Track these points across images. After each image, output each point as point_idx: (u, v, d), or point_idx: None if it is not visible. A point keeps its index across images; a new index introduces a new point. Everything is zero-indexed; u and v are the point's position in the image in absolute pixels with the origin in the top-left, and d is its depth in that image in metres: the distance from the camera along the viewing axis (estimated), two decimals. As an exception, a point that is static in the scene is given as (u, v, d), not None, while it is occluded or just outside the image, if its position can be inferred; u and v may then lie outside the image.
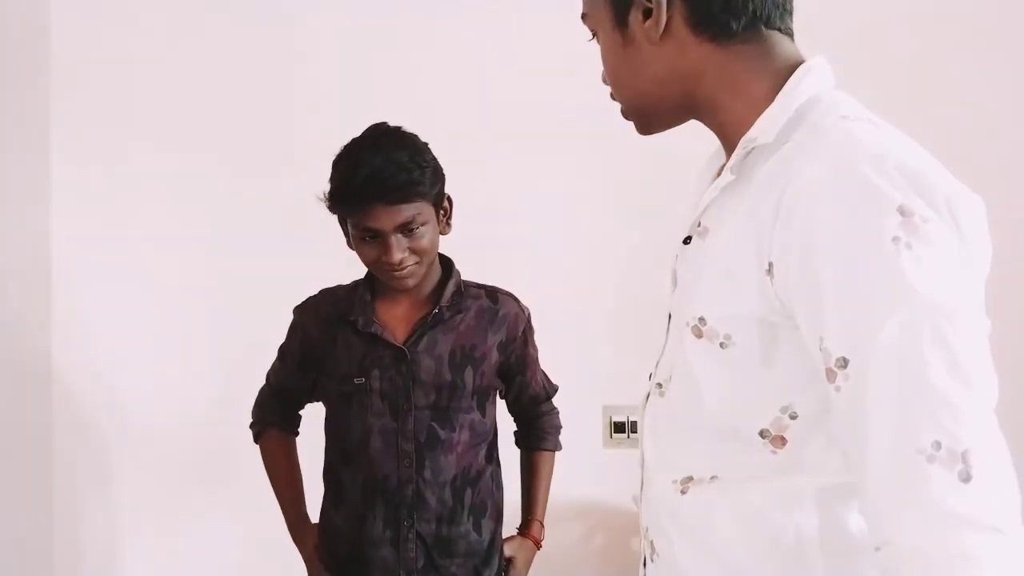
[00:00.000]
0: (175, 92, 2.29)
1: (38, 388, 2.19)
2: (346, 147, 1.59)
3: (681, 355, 0.97)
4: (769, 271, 0.86)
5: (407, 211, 1.53)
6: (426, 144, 1.60)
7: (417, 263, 1.57)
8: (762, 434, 0.91)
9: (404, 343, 1.62)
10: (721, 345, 0.91)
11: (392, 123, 1.60)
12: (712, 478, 0.95)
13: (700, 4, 0.97)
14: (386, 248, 1.54)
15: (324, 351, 1.67)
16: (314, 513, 1.74)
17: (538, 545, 1.76)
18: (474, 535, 1.66)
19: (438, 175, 1.59)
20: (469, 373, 1.63)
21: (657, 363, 1.05)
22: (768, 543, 0.92)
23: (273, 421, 1.78)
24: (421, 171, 1.53)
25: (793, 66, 0.97)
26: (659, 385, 1.02)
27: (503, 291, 1.72)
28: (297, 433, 1.79)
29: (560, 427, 1.80)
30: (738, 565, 0.95)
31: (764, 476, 0.92)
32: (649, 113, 1.04)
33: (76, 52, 2.24)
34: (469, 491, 1.65)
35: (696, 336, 0.93)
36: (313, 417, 1.76)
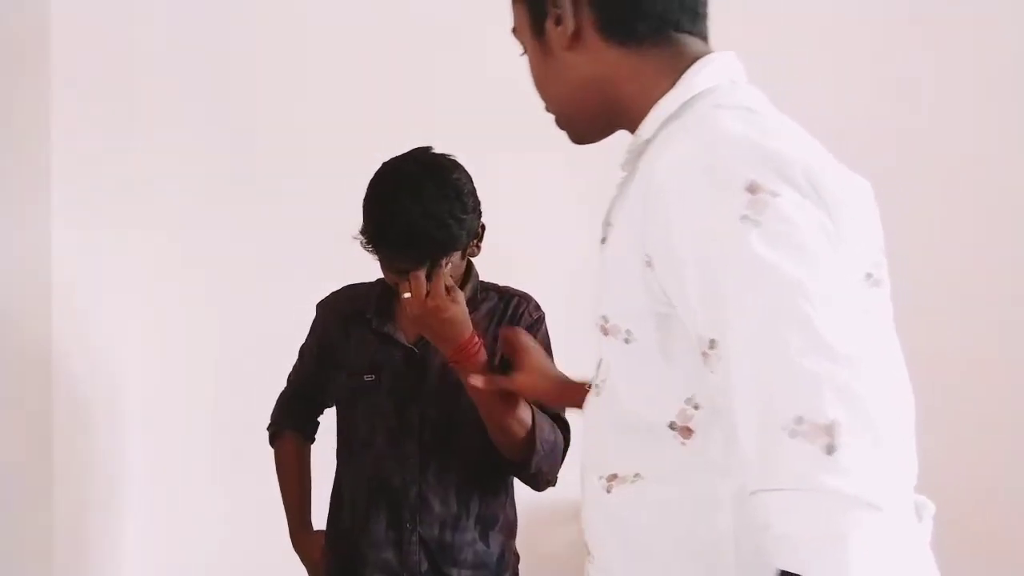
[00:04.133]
0: (176, 93, 2.29)
1: (38, 390, 2.19)
2: (383, 182, 1.51)
3: (601, 355, 1.00)
4: (649, 264, 0.88)
5: (434, 261, 1.47)
6: (465, 176, 1.53)
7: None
8: (671, 426, 0.91)
9: (415, 343, 1.61)
10: (625, 341, 0.93)
11: (402, 143, 1.54)
12: (635, 476, 0.95)
13: (607, 9, 0.99)
14: (404, 288, 1.48)
15: (338, 346, 1.66)
16: (321, 519, 1.72)
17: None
18: (481, 545, 1.61)
19: (477, 217, 1.53)
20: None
21: (596, 358, 1.05)
22: (686, 541, 0.92)
23: (290, 424, 1.79)
24: (460, 225, 1.48)
25: (686, 65, 0.99)
26: (596, 386, 1.03)
27: (517, 292, 1.69)
28: (313, 440, 1.79)
29: (563, 445, 1.60)
30: (662, 564, 0.94)
31: (681, 473, 0.92)
32: (575, 121, 1.07)
33: (76, 52, 2.24)
34: (476, 499, 1.62)
35: (604, 334, 0.96)
36: (331, 424, 1.75)
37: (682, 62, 0.99)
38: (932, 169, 2.46)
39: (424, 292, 1.45)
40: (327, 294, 1.73)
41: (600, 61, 1.01)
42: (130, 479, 2.31)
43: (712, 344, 0.82)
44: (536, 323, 1.65)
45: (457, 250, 1.50)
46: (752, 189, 0.80)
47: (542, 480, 1.58)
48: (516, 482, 1.66)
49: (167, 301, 2.29)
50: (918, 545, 0.76)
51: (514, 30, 1.08)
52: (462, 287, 1.59)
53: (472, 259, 1.64)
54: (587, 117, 1.06)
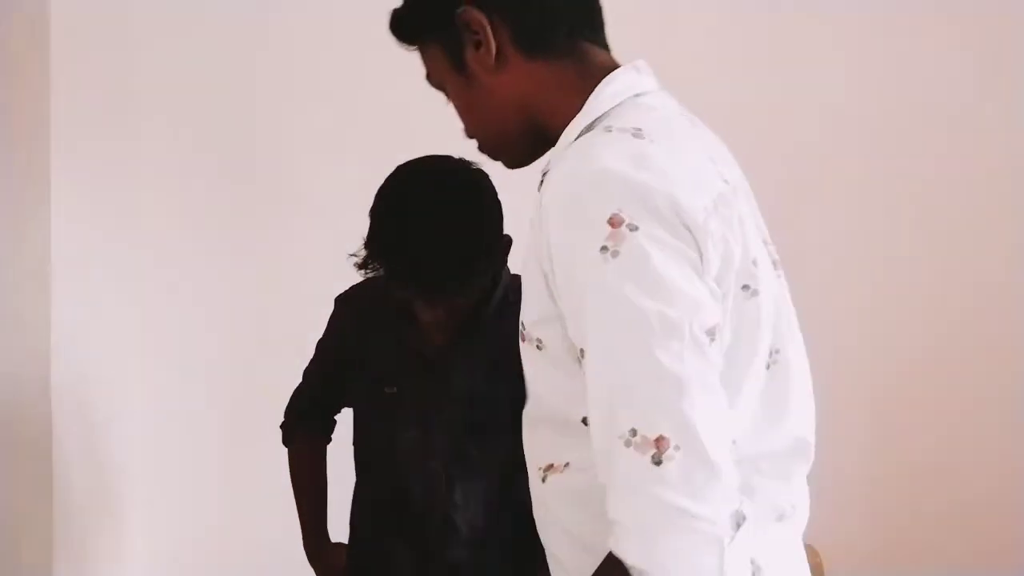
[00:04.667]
0: (176, 93, 2.28)
1: (38, 390, 2.19)
2: (391, 196, 1.37)
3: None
4: (545, 276, 0.96)
5: (447, 296, 1.37)
6: (492, 191, 1.38)
7: (456, 318, 1.43)
8: (584, 421, 0.95)
9: (440, 352, 1.47)
10: (537, 347, 1.01)
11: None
12: (565, 465, 1.02)
13: (519, 20, 1.04)
14: (418, 309, 1.41)
15: (358, 349, 1.54)
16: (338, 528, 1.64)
17: None
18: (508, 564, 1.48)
19: (494, 247, 1.39)
20: (505, 385, 1.38)
21: None
22: (594, 509, 0.96)
23: (305, 422, 1.66)
24: (472, 262, 1.33)
25: (598, 80, 1.04)
26: (527, 388, 1.10)
27: None
28: (330, 438, 1.70)
29: None
30: (591, 544, 0.97)
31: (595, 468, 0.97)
32: (508, 144, 1.10)
33: (76, 52, 2.24)
34: (508, 517, 1.43)
35: (522, 340, 1.04)
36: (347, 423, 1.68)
37: (591, 77, 1.04)
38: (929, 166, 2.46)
39: (432, 320, 1.39)
40: (347, 288, 1.59)
41: (522, 77, 1.05)
42: (130, 479, 2.31)
43: (582, 353, 0.92)
44: None
45: (474, 284, 1.38)
46: (613, 222, 0.88)
47: None
48: None
49: (168, 300, 2.29)
50: (732, 551, 0.85)
51: (428, 77, 1.12)
52: (489, 295, 1.47)
53: (507, 264, 1.51)
54: (518, 138, 1.09)
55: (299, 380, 1.68)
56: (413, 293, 1.38)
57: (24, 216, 2.15)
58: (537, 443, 1.08)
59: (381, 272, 1.37)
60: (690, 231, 0.90)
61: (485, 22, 1.03)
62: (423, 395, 1.47)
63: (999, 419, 2.42)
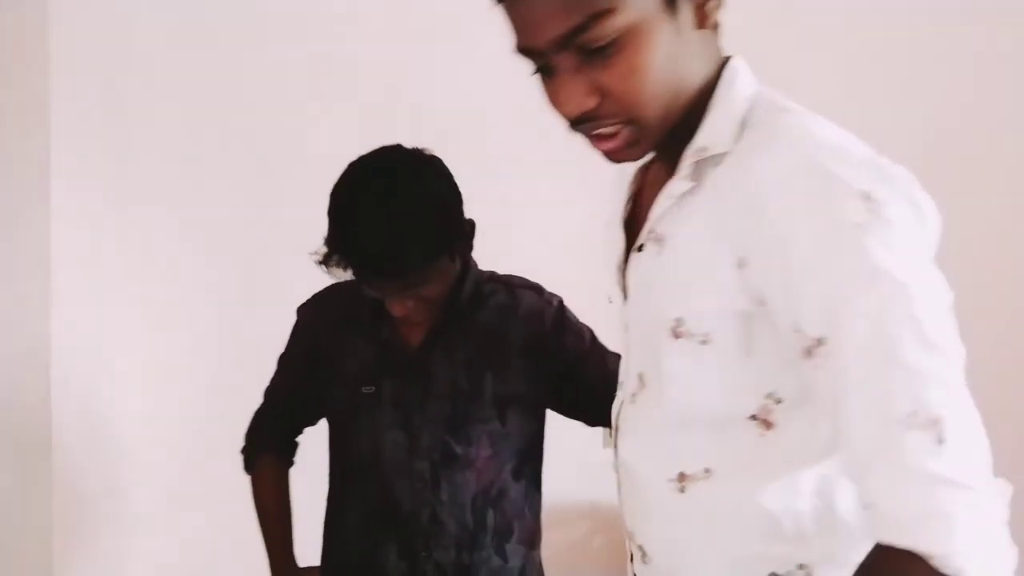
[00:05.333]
0: (176, 95, 2.28)
1: (37, 390, 2.19)
2: (344, 192, 1.37)
3: (654, 358, 0.98)
4: (741, 265, 0.88)
5: (414, 283, 1.35)
6: (444, 178, 1.38)
7: (426, 307, 1.42)
8: (752, 418, 0.94)
9: (418, 349, 1.47)
10: (702, 342, 0.93)
11: (402, 137, 1.40)
12: (705, 471, 0.97)
13: None
14: (388, 302, 1.40)
15: (331, 355, 1.52)
16: (309, 552, 1.61)
17: None
18: (497, 560, 1.47)
19: (453, 226, 1.37)
20: (488, 379, 1.46)
21: (625, 368, 1.07)
22: (766, 530, 0.95)
23: (267, 446, 1.62)
24: (431, 240, 1.32)
25: (720, 60, 0.96)
26: (632, 394, 1.04)
27: (523, 283, 1.54)
28: (292, 463, 1.66)
29: None
30: (739, 556, 0.97)
31: (756, 464, 0.95)
32: (669, 123, 0.94)
33: (76, 52, 2.24)
34: (491, 512, 1.47)
35: (674, 337, 0.94)
36: (311, 440, 1.66)
37: (718, 54, 0.96)
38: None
39: (402, 312, 1.35)
40: (309, 297, 1.59)
41: (710, 42, 0.95)
42: (130, 479, 2.31)
43: (820, 342, 0.85)
44: (559, 312, 1.51)
45: (428, 269, 1.35)
46: (865, 198, 0.83)
47: None
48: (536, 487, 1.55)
49: (168, 300, 2.29)
50: (1002, 524, 0.83)
51: (602, 14, 0.86)
52: (459, 284, 1.48)
53: (471, 256, 1.53)
54: (678, 111, 0.94)
55: None
56: (377, 284, 1.37)
57: (24, 216, 2.15)
58: (655, 450, 1.01)
59: (343, 269, 1.36)
60: (921, 212, 0.88)
61: None
62: (403, 395, 1.46)
63: (1001, 419, 2.42)
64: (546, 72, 0.91)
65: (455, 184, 1.40)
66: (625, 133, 0.92)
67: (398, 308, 1.39)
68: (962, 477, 0.80)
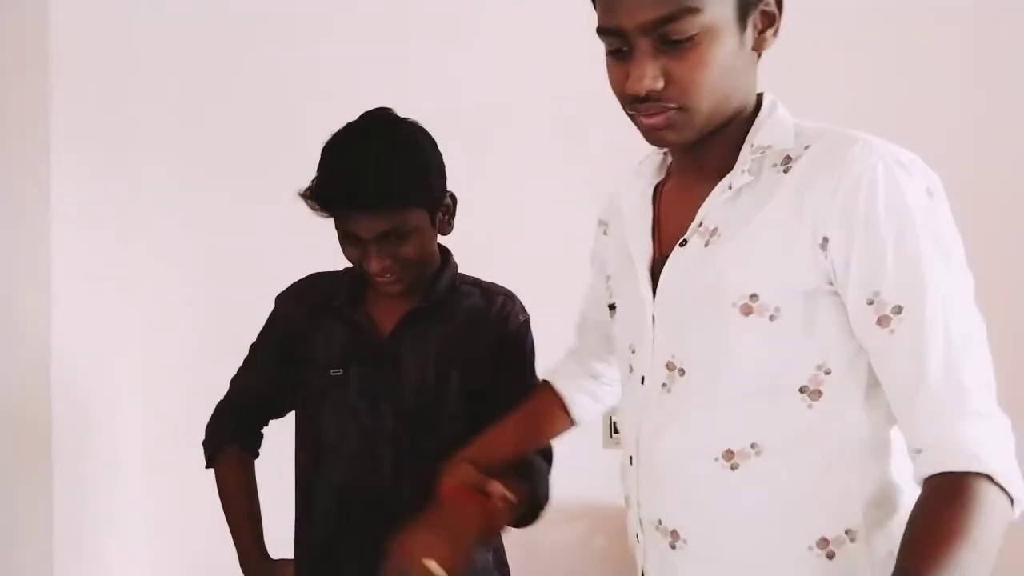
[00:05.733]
0: (176, 94, 2.29)
1: (38, 390, 2.19)
2: (334, 136, 1.43)
3: (709, 341, 1.06)
4: (824, 245, 1.00)
5: (392, 219, 1.38)
6: (429, 139, 1.45)
7: (403, 270, 1.44)
8: (801, 390, 1.03)
9: (389, 337, 1.49)
10: (771, 318, 1.02)
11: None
12: (753, 446, 1.04)
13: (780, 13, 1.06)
14: (366, 256, 1.41)
15: (305, 339, 1.53)
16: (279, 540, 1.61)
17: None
18: (488, 560, 1.50)
19: (434, 177, 1.44)
20: (456, 375, 1.48)
21: (649, 362, 1.13)
22: (816, 501, 1.03)
23: (231, 438, 1.62)
24: (411, 176, 1.38)
25: (756, 91, 1.12)
26: (663, 384, 1.10)
27: (500, 289, 1.57)
28: (257, 454, 1.65)
29: (546, 469, 1.50)
30: (788, 525, 1.04)
31: (805, 434, 1.03)
32: (715, 121, 1.07)
33: (76, 52, 2.24)
34: None
35: (744, 314, 1.03)
36: (276, 429, 1.65)
37: (756, 83, 1.11)
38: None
39: (379, 266, 1.38)
40: (287, 287, 1.62)
41: (754, 65, 1.09)
42: (130, 479, 2.31)
43: (898, 309, 0.97)
44: (523, 327, 1.55)
45: (408, 205, 1.39)
46: (929, 192, 0.99)
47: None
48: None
49: (168, 300, 2.29)
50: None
51: (689, 11, 0.99)
52: (437, 277, 1.51)
53: (451, 253, 1.56)
54: (720, 119, 1.07)
55: None
56: (355, 219, 1.38)
57: (24, 216, 2.15)
58: (697, 429, 1.08)
59: (326, 205, 1.40)
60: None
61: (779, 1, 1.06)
62: (370, 380, 1.47)
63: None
64: (620, 55, 1.04)
65: (439, 152, 1.46)
66: (673, 115, 1.04)
67: (375, 262, 1.40)
68: (1004, 420, 0.97)
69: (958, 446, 0.94)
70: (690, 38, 1.00)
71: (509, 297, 1.57)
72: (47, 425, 2.17)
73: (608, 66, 1.06)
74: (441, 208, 1.47)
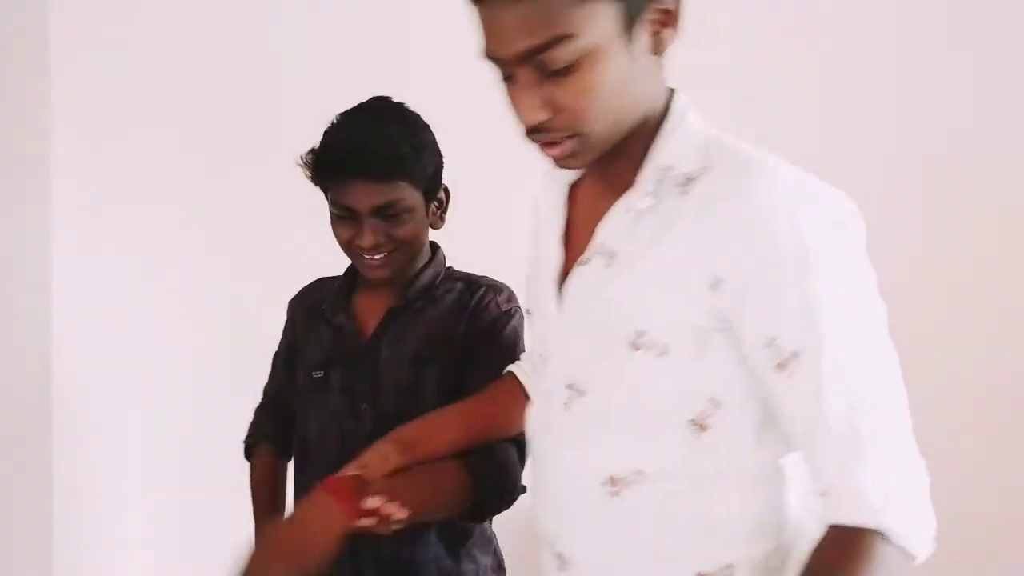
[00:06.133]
0: (176, 94, 2.29)
1: (38, 390, 2.19)
2: (341, 113, 1.46)
3: (604, 368, 1.02)
4: (716, 286, 0.94)
5: (388, 192, 1.38)
6: (426, 125, 1.46)
7: (394, 252, 1.42)
8: (691, 423, 0.99)
9: (370, 337, 1.48)
10: (660, 354, 0.98)
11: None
12: (637, 473, 1.01)
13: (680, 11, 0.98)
14: (359, 230, 1.40)
15: (301, 343, 1.56)
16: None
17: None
18: (449, 562, 1.44)
19: (432, 159, 1.44)
20: (433, 372, 1.45)
21: (553, 378, 1.09)
22: (697, 533, 1.01)
23: (265, 437, 1.65)
24: (412, 150, 1.40)
25: (668, 89, 1.04)
26: (564, 403, 1.06)
27: (486, 281, 1.52)
28: (290, 455, 1.65)
29: (513, 458, 1.40)
30: (667, 556, 1.02)
31: (689, 464, 1.00)
32: (614, 139, 1.00)
33: (76, 51, 2.24)
34: None
35: (634, 349, 0.99)
36: None
37: (663, 83, 1.03)
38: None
39: (372, 241, 1.39)
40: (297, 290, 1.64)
41: (658, 70, 1.02)
42: (130, 479, 2.31)
43: (795, 355, 0.93)
44: (504, 316, 1.48)
45: (406, 178, 1.40)
46: (838, 226, 0.94)
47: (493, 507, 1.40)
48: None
49: (169, 299, 2.29)
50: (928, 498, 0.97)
51: (557, 40, 0.91)
52: (422, 269, 1.49)
53: (439, 246, 1.54)
54: (623, 133, 1.00)
55: None
56: (348, 185, 1.39)
57: (24, 216, 2.15)
58: (600, 453, 1.04)
59: (320, 172, 1.43)
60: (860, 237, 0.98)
61: None
62: (351, 382, 1.47)
63: (1007, 418, 2.42)
64: (509, 80, 0.97)
65: (436, 141, 1.48)
66: (568, 145, 0.97)
67: (369, 236, 1.40)
68: (913, 462, 0.94)
69: (856, 498, 0.92)
70: (570, 65, 0.92)
71: (493, 287, 1.51)
72: (47, 425, 2.17)
73: (505, 92, 1.00)
74: (435, 197, 1.47)
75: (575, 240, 1.09)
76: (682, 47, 1.01)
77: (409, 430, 1.32)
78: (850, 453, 0.92)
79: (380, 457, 1.28)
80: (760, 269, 0.92)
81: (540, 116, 0.95)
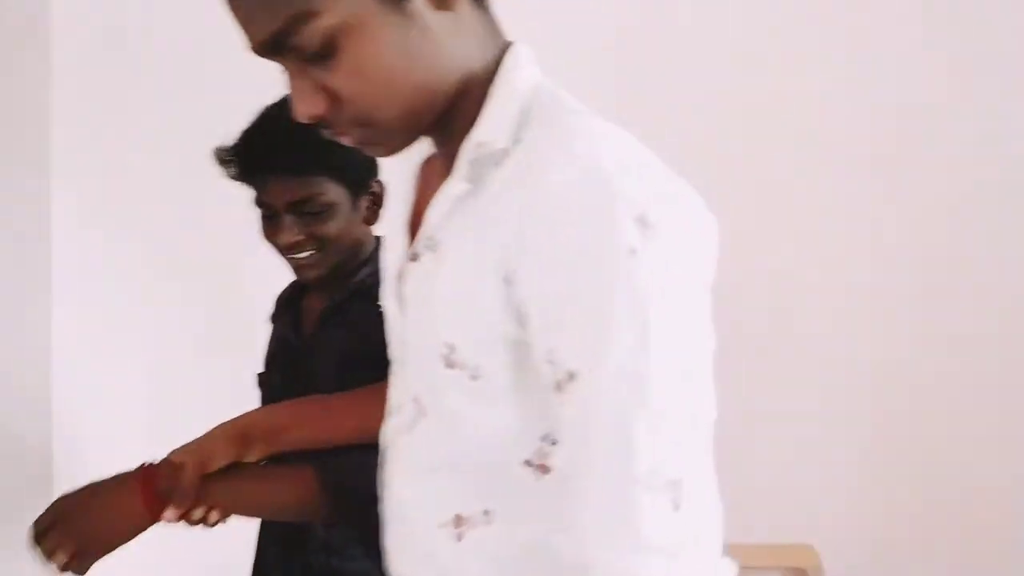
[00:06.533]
0: (177, 95, 2.28)
1: (38, 390, 2.19)
2: (263, 107, 1.37)
3: (431, 386, 0.87)
4: (508, 282, 0.78)
5: (305, 187, 1.30)
6: None
7: (320, 251, 1.34)
8: (527, 463, 0.84)
9: (306, 337, 1.42)
10: (472, 377, 0.82)
11: None
12: (484, 513, 0.86)
13: None
14: (278, 228, 1.33)
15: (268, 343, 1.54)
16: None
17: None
18: (378, 573, 1.41)
19: (351, 152, 1.33)
20: (366, 375, 1.33)
21: (401, 387, 0.95)
22: (553, 569, 0.84)
23: None
24: (321, 142, 1.23)
25: (502, 46, 0.87)
26: (410, 423, 0.92)
27: None
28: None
29: None
30: None
31: (538, 508, 0.84)
32: (422, 120, 0.84)
33: (76, 50, 2.24)
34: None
35: (448, 367, 0.83)
36: None
37: (495, 37, 0.87)
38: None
39: (289, 239, 1.31)
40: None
41: (462, 26, 0.83)
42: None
43: (570, 376, 0.76)
44: None
45: (322, 172, 1.29)
46: (642, 222, 0.74)
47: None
48: None
49: (169, 302, 2.29)
50: None
51: (306, 16, 0.78)
52: (359, 267, 1.39)
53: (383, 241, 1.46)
54: (436, 107, 0.84)
55: None
56: (261, 180, 1.33)
57: (24, 217, 2.15)
58: (433, 488, 0.89)
59: (234, 168, 1.35)
60: (694, 238, 0.81)
61: None
62: (288, 384, 1.40)
63: (1001, 417, 2.42)
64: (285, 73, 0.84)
65: None
66: (361, 135, 0.84)
67: (286, 233, 1.33)
68: (689, 547, 0.75)
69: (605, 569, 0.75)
70: (324, 46, 0.79)
71: None
72: (48, 427, 2.17)
73: None
74: (365, 192, 1.38)
75: (415, 232, 0.93)
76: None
77: (260, 421, 1.22)
78: (621, 532, 0.75)
79: (209, 450, 1.18)
80: (544, 267, 0.76)
81: (316, 108, 0.82)
